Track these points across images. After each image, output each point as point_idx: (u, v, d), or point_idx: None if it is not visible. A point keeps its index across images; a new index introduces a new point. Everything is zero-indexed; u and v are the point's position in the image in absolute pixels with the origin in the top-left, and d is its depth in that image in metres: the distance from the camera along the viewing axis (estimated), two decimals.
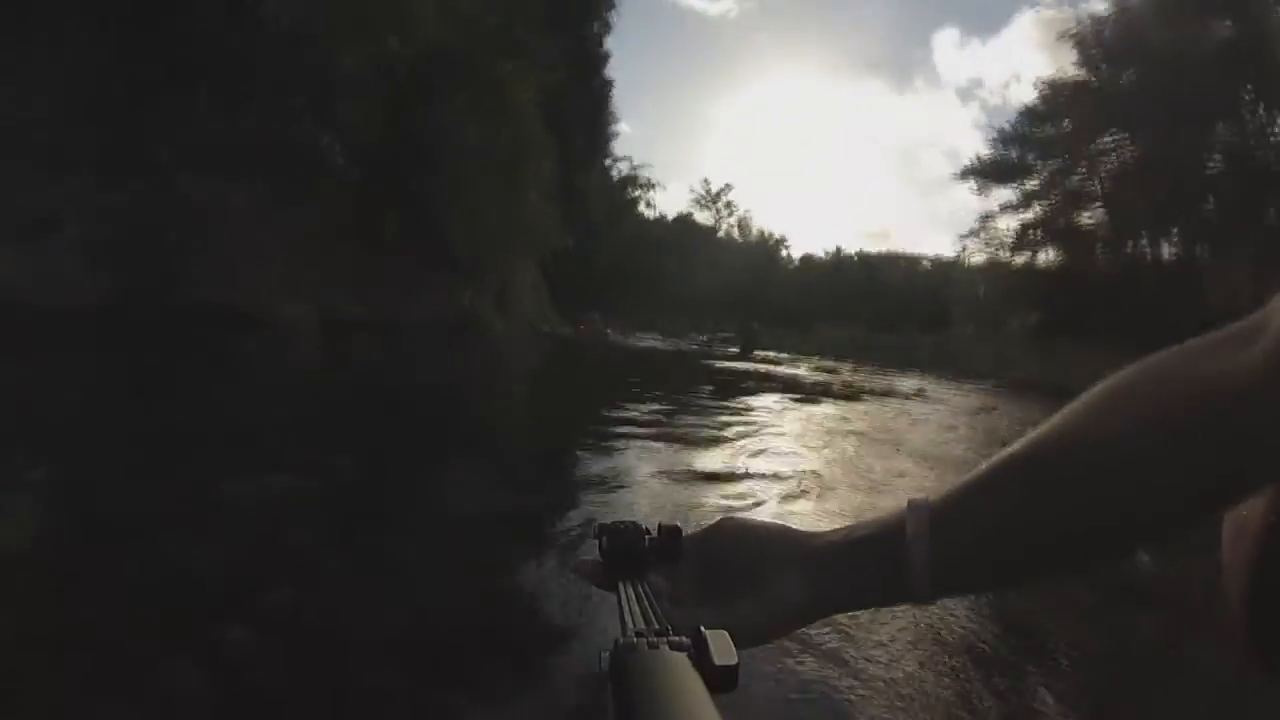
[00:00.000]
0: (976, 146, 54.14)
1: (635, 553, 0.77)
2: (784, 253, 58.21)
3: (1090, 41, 32.90)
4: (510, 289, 21.16)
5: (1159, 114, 29.97)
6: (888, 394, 13.12)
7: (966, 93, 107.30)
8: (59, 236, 9.94)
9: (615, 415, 6.78)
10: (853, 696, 2.00)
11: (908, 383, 16.13)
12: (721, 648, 0.50)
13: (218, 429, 4.75)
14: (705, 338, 32.42)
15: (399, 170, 14.97)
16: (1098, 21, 32.51)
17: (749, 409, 8.17)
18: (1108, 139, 32.86)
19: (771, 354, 28.00)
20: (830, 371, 19.33)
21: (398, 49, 13.44)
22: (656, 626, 0.56)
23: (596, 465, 4.70)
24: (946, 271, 41.85)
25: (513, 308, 20.91)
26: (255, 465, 3.84)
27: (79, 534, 2.74)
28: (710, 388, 10.88)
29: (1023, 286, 34.27)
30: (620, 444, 5.34)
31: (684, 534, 0.80)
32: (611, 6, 35.02)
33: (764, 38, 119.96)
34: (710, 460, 5.13)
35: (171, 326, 9.51)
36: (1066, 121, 33.99)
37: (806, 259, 58.39)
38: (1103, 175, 33.57)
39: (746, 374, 14.20)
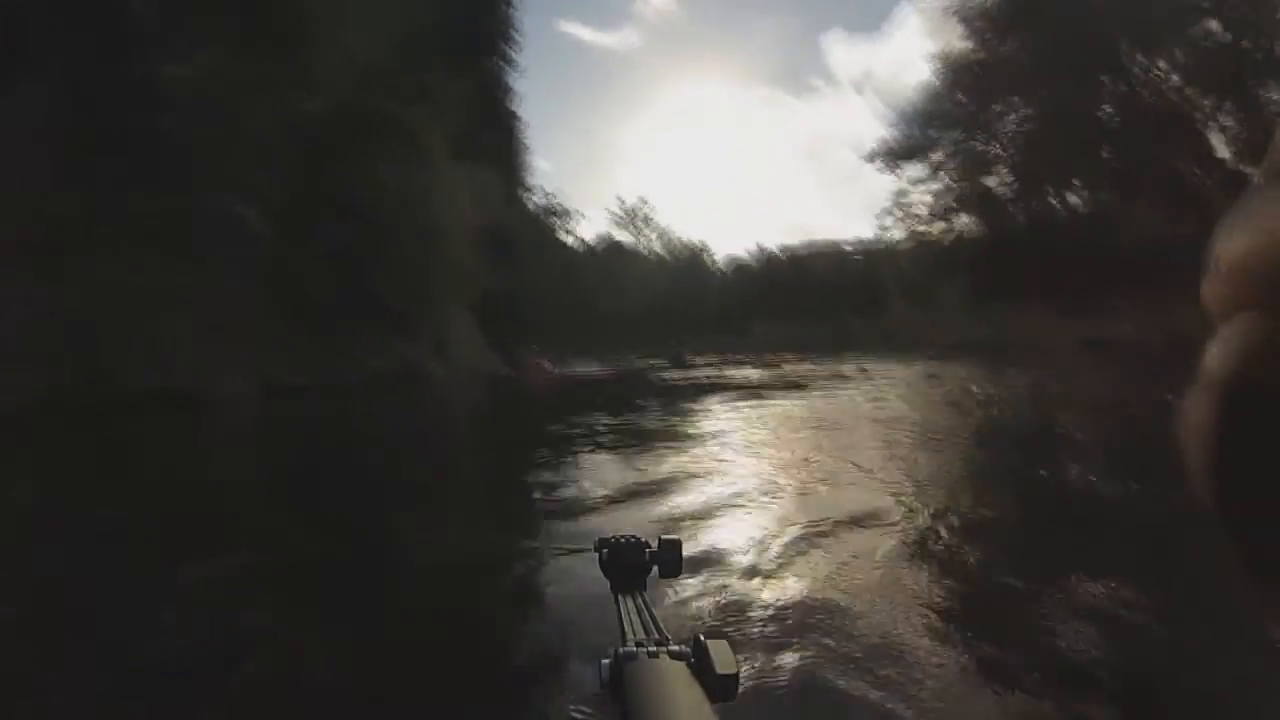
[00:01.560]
0: (879, 133, 55.54)
1: (636, 565, 0.83)
2: (710, 260, 58.85)
3: (976, 15, 34.40)
4: (445, 335, 20.83)
5: (1047, 75, 31.65)
6: (833, 379, 13.30)
7: (861, 85, 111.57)
8: None
9: (569, 444, 6.74)
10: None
11: (848, 367, 16.39)
12: (722, 657, 0.57)
13: (169, 511, 4.57)
14: (638, 359, 32.64)
15: (318, 228, 14.62)
16: None
17: (704, 419, 8.16)
18: (1001, 105, 34.55)
19: (710, 360, 28.27)
20: (772, 367, 19.54)
21: (302, 105, 13.14)
22: (657, 636, 0.64)
23: (557, 489, 4.73)
24: (871, 255, 42.92)
25: (450, 354, 20.58)
26: (208, 544, 3.72)
27: (40, 627, 2.61)
28: (655, 404, 10.91)
29: (945, 256, 35.54)
30: (579, 467, 5.36)
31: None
32: (510, 41, 34.96)
33: (665, 62, 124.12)
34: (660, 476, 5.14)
35: (111, 416, 9.06)
36: (960, 94, 35.52)
37: (734, 262, 59.08)
38: (1003, 139, 35.23)
39: (690, 385, 14.24)
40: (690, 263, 55.39)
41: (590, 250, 52.84)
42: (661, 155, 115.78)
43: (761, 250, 56.78)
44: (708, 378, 15.87)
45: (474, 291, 22.84)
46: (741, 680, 0.56)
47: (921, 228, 37.81)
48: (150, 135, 10.73)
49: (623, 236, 56.22)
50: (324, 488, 5.56)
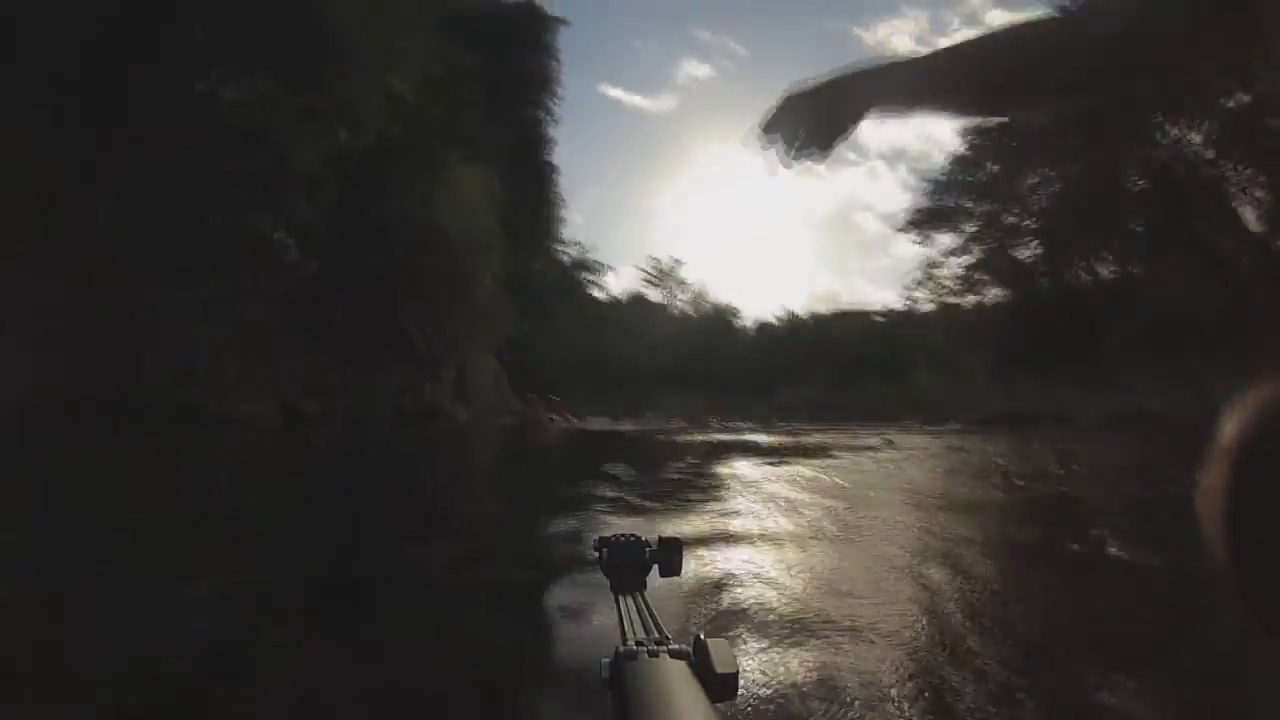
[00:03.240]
0: (909, 205, 55.99)
1: (636, 564, 0.83)
2: (738, 323, 58.95)
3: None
4: (468, 378, 20.89)
5: (1077, 146, 31.72)
6: (856, 448, 13.08)
7: (892, 161, 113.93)
8: (5, 336, 9.51)
9: (585, 491, 6.60)
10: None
11: (873, 438, 16.16)
12: (722, 656, 0.56)
13: (178, 527, 4.50)
14: (658, 418, 32.49)
15: (352, 262, 14.79)
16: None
17: (720, 479, 8.01)
18: (1033, 176, 34.64)
19: (732, 422, 28.04)
20: (796, 434, 19.30)
21: (347, 142, 13.41)
22: (657, 636, 0.62)
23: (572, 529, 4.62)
24: (899, 323, 42.77)
25: (472, 397, 20.59)
26: (221, 560, 3.66)
27: (45, 638, 2.53)
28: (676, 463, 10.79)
29: (974, 327, 35.33)
30: (594, 512, 5.20)
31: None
32: (551, 94, 35.86)
33: (701, 128, 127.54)
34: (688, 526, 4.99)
35: (128, 424, 9.08)
36: (993, 165, 35.73)
37: (762, 326, 59.17)
38: (1034, 210, 35.23)
39: (713, 446, 14.07)
40: (718, 324, 55.56)
41: (619, 307, 53.17)
42: (694, 218, 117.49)
43: (789, 315, 56.93)
44: (727, 441, 15.70)
45: (500, 337, 22.96)
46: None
47: (951, 299, 37.78)
48: (197, 161, 10.96)
49: (653, 294, 56.63)
50: (337, 509, 5.50)
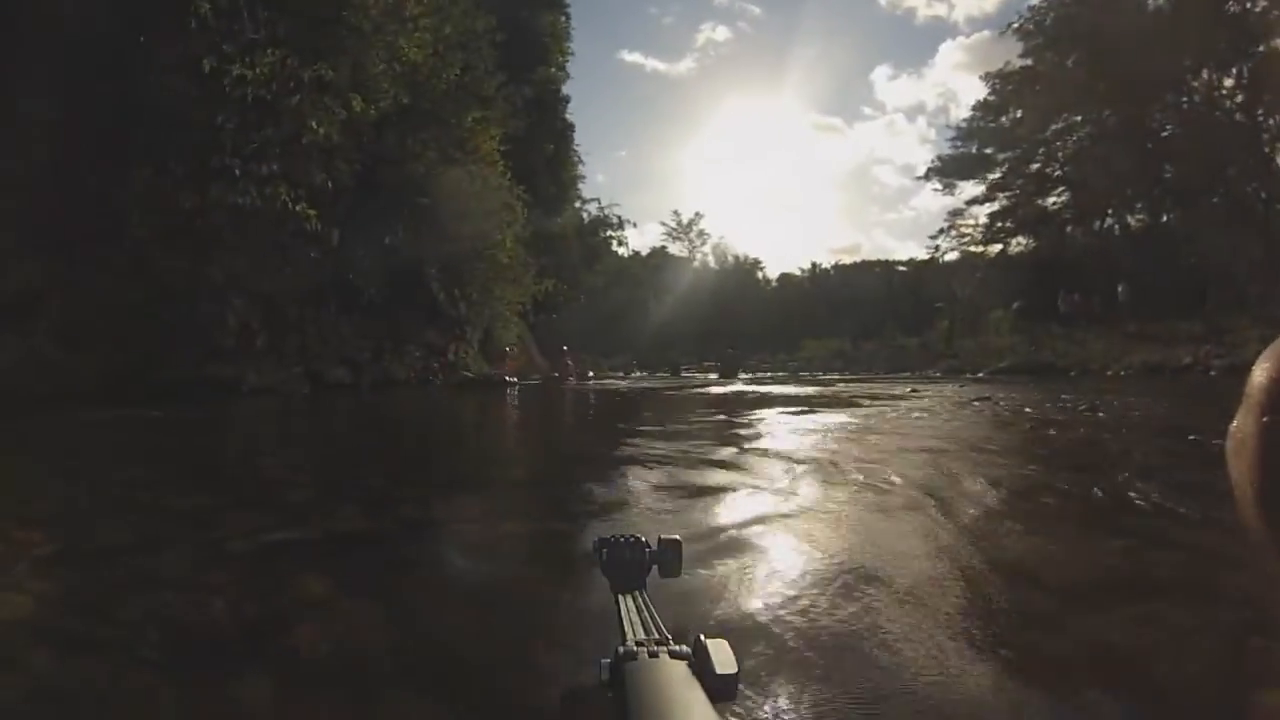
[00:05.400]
0: (929, 157, 54.79)
1: (636, 565, 0.86)
2: (760, 275, 58.55)
3: (1032, 31, 33.62)
4: (494, 339, 21.13)
5: (1107, 91, 30.72)
6: (877, 398, 13.11)
7: (912, 114, 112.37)
8: (38, 318, 9.86)
9: (621, 442, 6.73)
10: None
11: (898, 387, 16.12)
12: (722, 657, 0.58)
13: (218, 488, 4.70)
14: (685, 367, 32.41)
15: (374, 229, 14.99)
16: (1037, 11, 33.30)
17: (748, 430, 8.14)
18: (1060, 123, 33.65)
19: (758, 374, 27.99)
20: (820, 384, 19.30)
21: (361, 110, 13.52)
22: (657, 636, 0.65)
23: (605, 486, 4.69)
24: (922, 273, 42.27)
25: (496, 355, 20.86)
26: (255, 519, 3.81)
27: (84, 594, 2.69)
28: (710, 411, 10.86)
29: (999, 277, 34.74)
30: (629, 465, 5.28)
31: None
32: (564, 50, 35.54)
33: (721, 89, 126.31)
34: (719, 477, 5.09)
35: (164, 399, 9.40)
36: (1019, 111, 34.73)
37: (784, 277, 58.71)
38: (1061, 158, 34.32)
39: (739, 396, 14.17)
40: (741, 275, 55.27)
41: (642, 261, 53.04)
42: (716, 176, 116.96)
43: (814, 267, 56.44)
44: (757, 391, 15.75)
45: (524, 296, 23.11)
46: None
47: (976, 248, 37.12)
48: (213, 133, 11.14)
49: (675, 249, 56.38)
50: (367, 470, 5.69)
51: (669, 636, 0.66)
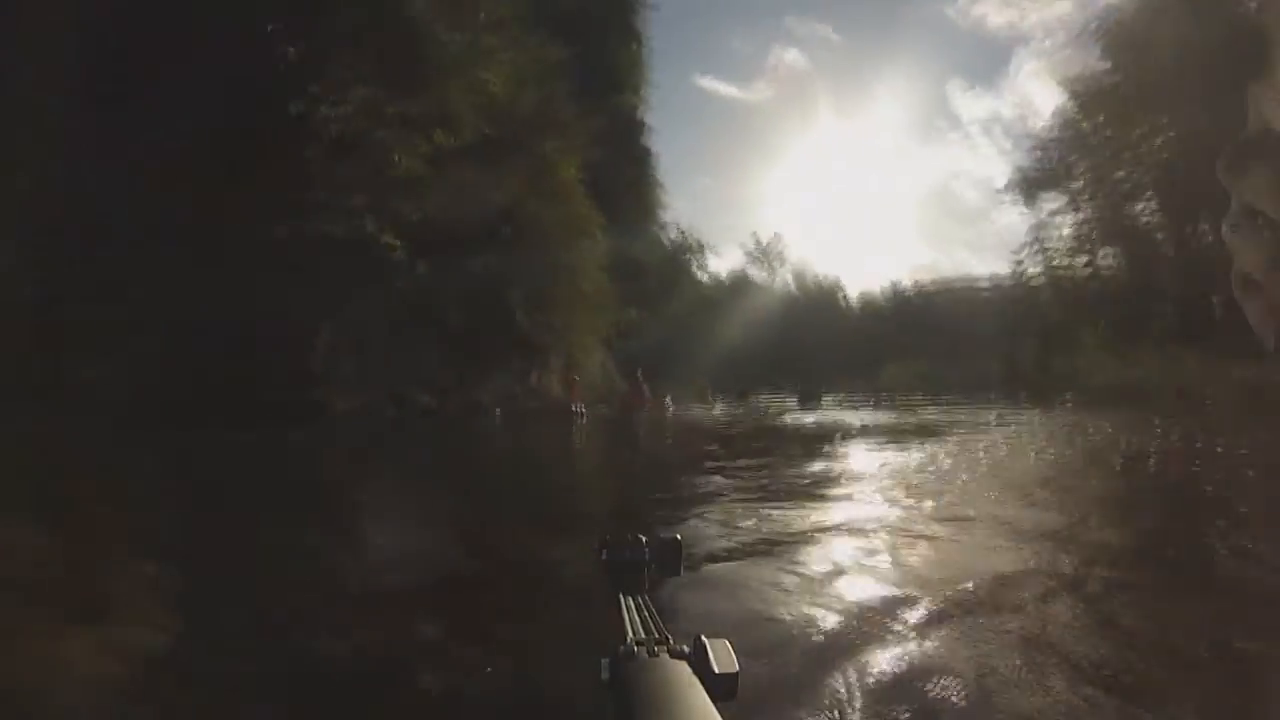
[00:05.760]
0: (1008, 170, 52.83)
1: (636, 564, 0.85)
2: (841, 297, 57.63)
3: (1112, 33, 32.08)
4: (575, 366, 21.26)
5: (1194, 93, 28.95)
6: (966, 425, 12.61)
7: (988, 127, 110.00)
8: (139, 340, 10.34)
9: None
10: None
11: (984, 413, 15.52)
12: (722, 656, 0.58)
13: (319, 520, 4.76)
14: (762, 394, 31.91)
15: (457, 257, 15.30)
16: (1118, 13, 31.76)
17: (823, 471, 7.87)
18: (1145, 128, 31.75)
19: (840, 401, 27.43)
20: (904, 411, 18.75)
21: (445, 143, 13.87)
22: (657, 636, 0.65)
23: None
24: (1007, 292, 40.76)
25: (584, 383, 20.98)
26: (366, 557, 3.86)
27: (210, 630, 2.73)
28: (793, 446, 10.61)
29: (1087, 293, 33.08)
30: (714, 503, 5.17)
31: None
32: (642, 78, 35.90)
33: (797, 113, 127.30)
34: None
35: (251, 422, 9.71)
36: (1101, 116, 33.03)
37: (866, 301, 57.63)
38: (1148, 164, 32.45)
39: (819, 429, 13.82)
40: (823, 299, 54.50)
41: (723, 286, 52.85)
42: (794, 198, 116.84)
43: (894, 288, 55.18)
44: (834, 421, 15.34)
45: (606, 323, 23.21)
46: None
47: (1061, 262, 35.42)
48: (306, 169, 11.56)
49: (755, 273, 56.02)
50: (461, 505, 5.70)
51: (669, 636, 0.66)
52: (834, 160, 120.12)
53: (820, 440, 10.71)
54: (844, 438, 10.92)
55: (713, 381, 35.85)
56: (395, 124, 12.72)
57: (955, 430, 11.42)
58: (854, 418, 16.04)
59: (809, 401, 25.18)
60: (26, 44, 9.66)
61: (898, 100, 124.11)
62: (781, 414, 18.97)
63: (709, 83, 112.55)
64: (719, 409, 23.04)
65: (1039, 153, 36.17)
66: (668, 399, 23.46)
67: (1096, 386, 23.79)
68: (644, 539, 0.90)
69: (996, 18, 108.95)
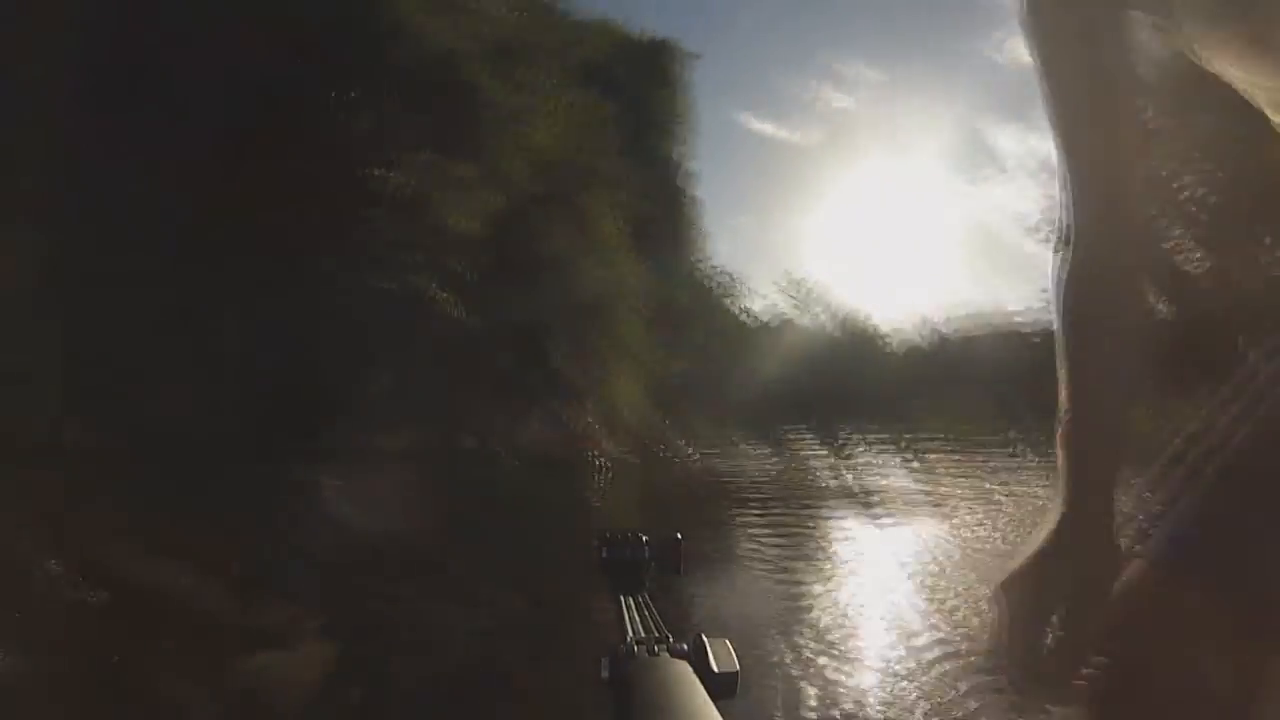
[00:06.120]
0: (1055, 214, 51.32)
1: (635, 562, 0.87)
2: (880, 342, 57.26)
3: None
4: (615, 411, 21.79)
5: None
6: (972, 498, 12.74)
7: (1035, 172, 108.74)
8: (207, 381, 11.22)
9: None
10: None
11: (1026, 479, 15.60)
12: (722, 655, 0.59)
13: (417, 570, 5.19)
14: (790, 437, 31.82)
15: (503, 307, 16.10)
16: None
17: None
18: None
19: (869, 449, 27.31)
20: (925, 472, 18.86)
21: (496, 202, 14.78)
22: (657, 635, 0.66)
23: None
24: (1048, 338, 39.93)
25: (619, 429, 21.53)
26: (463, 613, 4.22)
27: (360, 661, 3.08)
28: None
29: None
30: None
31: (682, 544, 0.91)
32: (686, 126, 36.44)
33: (840, 154, 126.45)
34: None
35: (311, 464, 10.39)
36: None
37: (904, 343, 57.17)
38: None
39: (834, 491, 14.00)
40: (860, 342, 54.23)
41: (765, 328, 52.88)
42: (834, 238, 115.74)
43: (935, 332, 54.70)
44: (852, 486, 15.49)
45: (645, 369, 23.74)
46: None
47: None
48: (368, 230, 12.51)
49: (798, 317, 55.95)
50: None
51: (669, 635, 0.67)
52: (875, 199, 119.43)
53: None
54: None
55: (750, 426, 35.88)
56: (451, 186, 13.63)
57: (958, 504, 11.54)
58: (881, 479, 16.20)
59: (838, 455, 25.29)
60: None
61: (943, 142, 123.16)
62: (810, 460, 19.18)
63: (751, 121, 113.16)
64: (749, 457, 23.13)
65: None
66: (692, 449, 23.31)
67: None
68: (644, 537, 0.91)
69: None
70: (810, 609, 5.24)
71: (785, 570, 5.86)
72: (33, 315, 9.43)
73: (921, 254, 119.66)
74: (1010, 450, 24.31)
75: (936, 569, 6.48)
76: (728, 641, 0.62)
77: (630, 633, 0.69)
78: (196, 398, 10.74)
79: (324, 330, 11.99)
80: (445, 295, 13.45)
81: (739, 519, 9.09)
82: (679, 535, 0.92)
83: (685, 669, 0.59)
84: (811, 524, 8.68)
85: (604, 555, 0.89)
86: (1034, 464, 20.21)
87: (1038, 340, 44.30)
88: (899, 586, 5.81)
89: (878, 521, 9.57)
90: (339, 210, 12.16)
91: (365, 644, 3.37)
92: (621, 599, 0.79)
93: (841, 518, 9.27)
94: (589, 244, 19.35)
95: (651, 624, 0.72)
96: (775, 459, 23.88)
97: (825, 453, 26.90)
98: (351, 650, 3.26)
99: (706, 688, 0.56)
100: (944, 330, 56.29)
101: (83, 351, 9.93)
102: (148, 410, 10.20)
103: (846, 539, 7.78)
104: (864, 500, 11.57)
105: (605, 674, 0.63)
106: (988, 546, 7.48)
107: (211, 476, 9.01)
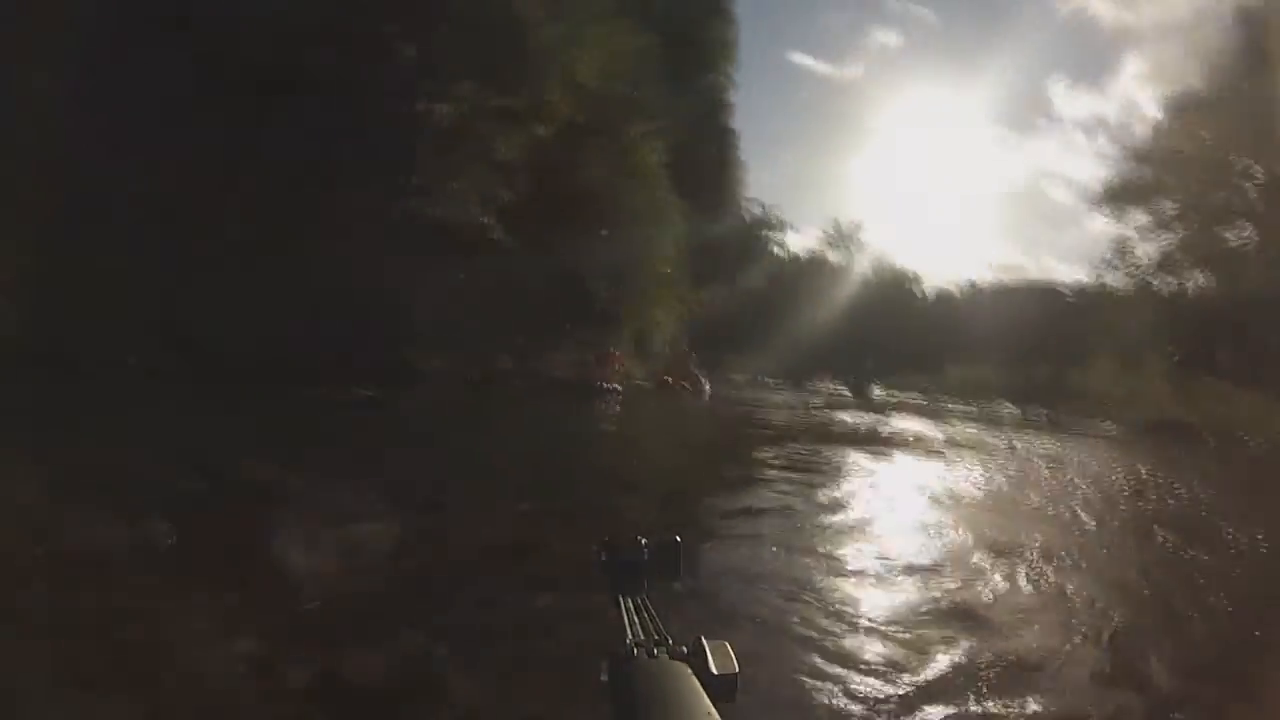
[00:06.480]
0: (1107, 176, 49.33)
1: (635, 566, 0.88)
2: (917, 290, 56.94)
3: (1217, 54, 30.78)
4: (646, 340, 22.28)
5: None
6: (974, 448, 13.03)
7: (1090, 128, 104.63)
8: (269, 309, 11.94)
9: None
10: None
11: (1035, 437, 15.77)
12: (721, 658, 0.63)
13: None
14: (818, 381, 32.08)
15: (546, 238, 16.58)
16: (1225, 30, 30.52)
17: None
18: (1250, 152, 30.40)
19: (888, 397, 27.39)
20: (936, 420, 19.00)
21: (541, 133, 15.15)
22: (656, 637, 0.69)
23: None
24: (1089, 303, 39.40)
25: (650, 358, 22.08)
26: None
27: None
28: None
29: (1164, 319, 31.88)
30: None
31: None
32: (731, 58, 35.99)
33: (888, 95, 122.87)
34: None
35: (362, 381, 11.09)
36: (1205, 134, 31.64)
37: (942, 295, 56.76)
38: (1249, 189, 31.06)
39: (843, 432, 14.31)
40: (897, 290, 53.98)
41: (799, 266, 52.74)
42: (879, 183, 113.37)
43: (972, 285, 54.18)
44: (865, 426, 15.80)
45: (679, 300, 24.15)
46: None
47: (1148, 279, 34.05)
48: (417, 158, 13.00)
49: (833, 256, 55.73)
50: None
51: (669, 637, 0.67)
52: (922, 147, 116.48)
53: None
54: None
55: (777, 363, 36.15)
56: (496, 117, 14.00)
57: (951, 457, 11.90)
58: (896, 424, 16.49)
59: (860, 396, 25.63)
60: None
61: (995, 90, 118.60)
62: (824, 408, 19.49)
63: (801, 59, 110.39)
64: (765, 394, 23.43)
65: (1132, 164, 34.71)
66: (705, 383, 23.56)
67: (1149, 419, 23.51)
68: (643, 541, 0.91)
69: (1108, 14, 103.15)
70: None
71: (790, 471, 6.41)
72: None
73: (966, 206, 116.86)
74: (1022, 410, 24.40)
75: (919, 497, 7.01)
76: (727, 644, 0.63)
77: (630, 635, 0.70)
78: (258, 327, 11.46)
79: (370, 257, 12.59)
80: (488, 223, 13.96)
81: (749, 453, 9.53)
82: (678, 539, 0.92)
83: (685, 671, 0.60)
84: (818, 458, 9.16)
85: (604, 559, 0.90)
86: (1038, 419, 20.35)
87: (1070, 298, 43.68)
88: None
89: (881, 459, 10.07)
90: (387, 142, 12.62)
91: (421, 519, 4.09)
92: (621, 601, 0.80)
93: (848, 455, 9.75)
94: (628, 175, 19.62)
95: (651, 626, 0.72)
96: (795, 396, 24.26)
97: (843, 393, 27.16)
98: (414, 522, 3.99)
99: (706, 690, 0.57)
100: (977, 280, 55.81)
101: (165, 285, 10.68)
102: (213, 334, 10.94)
103: (855, 472, 8.29)
104: (875, 441, 12.09)
105: (605, 676, 0.64)
106: (971, 485, 8.05)
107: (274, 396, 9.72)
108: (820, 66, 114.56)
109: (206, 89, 11.17)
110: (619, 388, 16.90)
